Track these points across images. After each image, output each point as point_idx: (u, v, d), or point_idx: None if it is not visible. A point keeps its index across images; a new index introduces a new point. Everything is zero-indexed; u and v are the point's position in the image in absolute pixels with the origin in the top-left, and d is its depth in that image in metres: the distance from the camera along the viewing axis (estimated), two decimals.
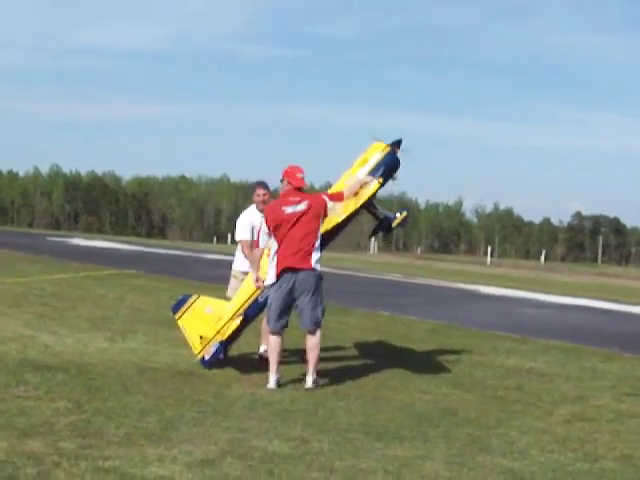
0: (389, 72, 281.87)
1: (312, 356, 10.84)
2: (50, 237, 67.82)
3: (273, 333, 10.90)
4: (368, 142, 12.48)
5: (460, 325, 19.19)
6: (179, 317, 11.89)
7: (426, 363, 13.30)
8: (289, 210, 10.76)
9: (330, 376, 11.38)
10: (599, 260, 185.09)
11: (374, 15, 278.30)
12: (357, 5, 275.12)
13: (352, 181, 11.74)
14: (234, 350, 12.48)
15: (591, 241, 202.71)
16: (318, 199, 10.94)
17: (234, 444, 7.68)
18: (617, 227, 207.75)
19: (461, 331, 18.15)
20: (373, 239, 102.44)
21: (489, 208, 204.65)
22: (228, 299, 12.22)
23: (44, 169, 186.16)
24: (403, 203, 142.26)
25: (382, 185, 12.16)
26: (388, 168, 12.24)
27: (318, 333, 10.88)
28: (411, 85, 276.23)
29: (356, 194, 11.61)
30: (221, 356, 11.66)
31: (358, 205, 11.76)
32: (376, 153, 12.30)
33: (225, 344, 11.66)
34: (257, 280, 11.27)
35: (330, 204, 11.02)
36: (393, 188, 12.73)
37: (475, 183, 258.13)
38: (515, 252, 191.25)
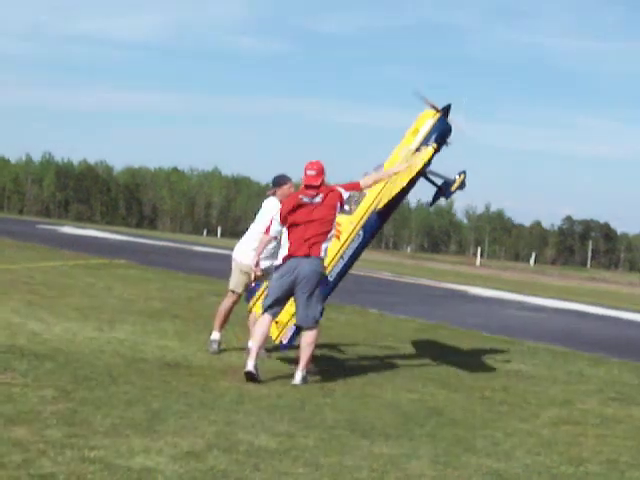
0: (388, 70, 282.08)
1: (305, 353, 10.82)
2: (40, 225, 67.72)
3: (264, 313, 10.90)
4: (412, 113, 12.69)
5: (448, 325, 19.21)
6: (253, 305, 12.04)
7: (413, 362, 13.32)
8: (305, 200, 10.89)
9: (318, 373, 11.37)
10: (588, 264, 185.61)
11: (374, 12, 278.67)
12: (358, 2, 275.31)
13: (379, 173, 11.82)
14: (222, 343, 12.51)
15: (581, 245, 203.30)
16: (332, 190, 11.03)
17: (220, 437, 7.67)
18: (607, 232, 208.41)
19: (449, 331, 18.17)
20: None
21: (480, 209, 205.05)
22: (231, 292, 12.36)
23: (36, 157, 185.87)
24: None
25: (437, 151, 12.25)
26: (440, 134, 12.35)
27: (314, 331, 10.87)
28: (409, 83, 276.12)
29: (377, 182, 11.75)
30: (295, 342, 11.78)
31: (414, 173, 11.82)
32: (427, 121, 12.41)
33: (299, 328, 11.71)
34: (257, 265, 11.43)
35: (346, 195, 11.08)
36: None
37: (467, 184, 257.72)
38: (505, 254, 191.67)
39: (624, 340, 20.63)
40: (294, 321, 11.48)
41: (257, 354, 10.63)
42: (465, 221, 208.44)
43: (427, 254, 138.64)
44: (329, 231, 10.87)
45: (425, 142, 12.27)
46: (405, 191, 12.19)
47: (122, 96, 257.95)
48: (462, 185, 12.27)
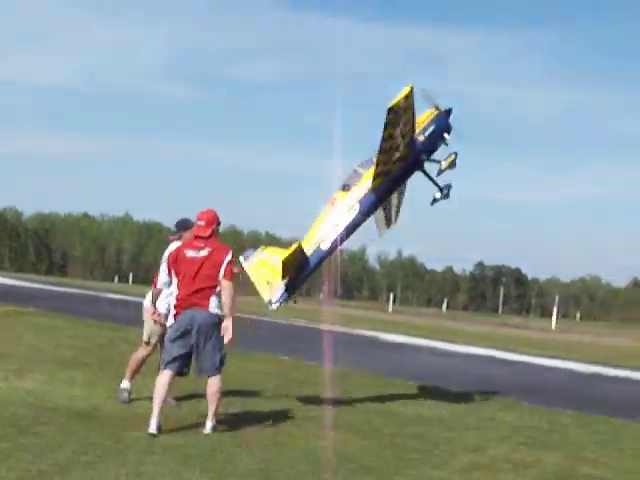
0: (306, 117, 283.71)
1: (212, 402, 10.67)
2: None
3: (163, 371, 10.64)
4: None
5: (361, 371, 19.22)
6: (248, 267, 12.93)
7: (325, 409, 13.28)
8: (190, 254, 10.71)
9: (229, 421, 11.29)
10: (500, 310, 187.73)
11: (293, 60, 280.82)
12: (277, 50, 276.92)
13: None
14: (133, 392, 12.34)
15: (492, 291, 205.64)
16: (221, 249, 10.81)
17: None
18: (518, 277, 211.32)
19: (361, 378, 18.18)
20: None
21: (392, 255, 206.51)
22: (145, 343, 12.32)
23: None
24: None
25: (432, 149, 13.16)
26: (438, 128, 12.69)
27: (218, 379, 10.72)
28: (328, 130, 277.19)
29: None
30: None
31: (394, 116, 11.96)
32: (425, 118, 13.06)
33: (289, 288, 12.97)
34: (154, 313, 11.65)
35: (227, 258, 10.68)
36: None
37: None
38: (417, 299, 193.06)
39: (535, 385, 20.87)
40: (283, 282, 12.61)
41: (160, 411, 10.38)
42: (377, 267, 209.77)
43: (340, 300, 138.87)
44: (216, 286, 10.65)
45: (422, 132, 12.75)
46: (398, 177, 13.04)
47: (32, 140, 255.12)
48: (452, 165, 12.85)
